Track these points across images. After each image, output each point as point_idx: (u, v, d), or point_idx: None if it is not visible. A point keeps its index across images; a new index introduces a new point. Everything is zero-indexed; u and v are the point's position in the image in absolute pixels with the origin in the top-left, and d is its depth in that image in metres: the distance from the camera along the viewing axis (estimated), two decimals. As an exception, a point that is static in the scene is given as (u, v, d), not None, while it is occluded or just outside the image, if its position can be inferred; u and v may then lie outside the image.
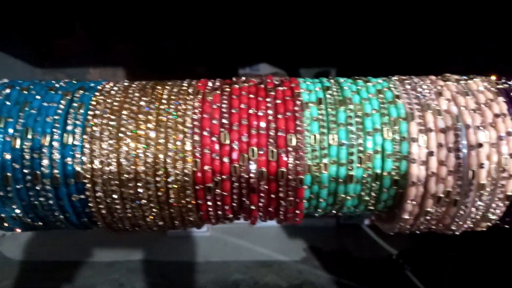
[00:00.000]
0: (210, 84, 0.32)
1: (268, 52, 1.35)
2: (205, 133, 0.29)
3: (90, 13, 1.31)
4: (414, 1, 1.10)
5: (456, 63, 0.96)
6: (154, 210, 0.30)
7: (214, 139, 0.29)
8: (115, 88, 0.31)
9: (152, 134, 0.29)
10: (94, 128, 0.29)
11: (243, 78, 0.33)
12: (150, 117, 0.29)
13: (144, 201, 0.29)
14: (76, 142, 0.28)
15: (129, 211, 0.30)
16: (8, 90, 0.31)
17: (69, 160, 0.28)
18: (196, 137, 0.29)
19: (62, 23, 1.32)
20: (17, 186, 0.28)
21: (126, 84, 0.32)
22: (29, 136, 0.28)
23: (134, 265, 1.17)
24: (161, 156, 0.28)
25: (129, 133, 0.29)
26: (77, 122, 0.29)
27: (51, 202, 0.29)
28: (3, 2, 1.14)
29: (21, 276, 1.11)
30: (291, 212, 0.31)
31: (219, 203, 0.30)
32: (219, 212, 0.31)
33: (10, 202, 0.29)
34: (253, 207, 0.30)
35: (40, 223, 0.31)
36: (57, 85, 0.31)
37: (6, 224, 0.31)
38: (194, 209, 0.30)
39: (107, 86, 0.32)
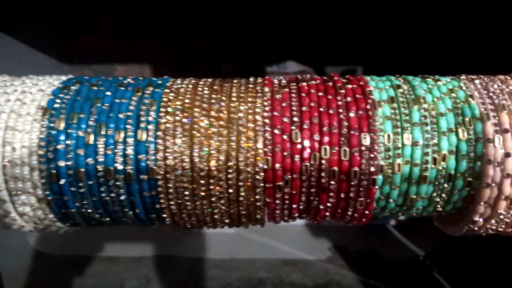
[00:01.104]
0: (276, 81, 0.32)
1: (293, 50, 1.34)
2: (276, 131, 0.29)
3: (118, 10, 1.32)
4: (440, 2, 1.09)
5: (481, 62, 0.94)
6: (223, 207, 0.30)
7: (285, 137, 0.29)
8: (184, 85, 0.31)
9: (224, 132, 0.29)
10: (167, 125, 0.29)
11: (309, 76, 0.33)
12: (221, 114, 0.29)
13: (214, 198, 0.29)
14: (149, 139, 0.28)
15: (198, 208, 0.30)
16: (77, 86, 0.31)
17: (142, 156, 0.28)
18: (267, 135, 0.29)
19: (89, 19, 1.33)
20: (89, 182, 0.29)
21: (193, 81, 0.32)
22: (103, 132, 0.28)
23: (161, 261, 1.18)
24: (233, 153, 0.28)
25: (202, 130, 0.28)
26: (150, 119, 0.29)
27: (122, 198, 0.29)
28: (33, -1, 1.15)
29: (51, 269, 1.13)
30: (360, 213, 0.30)
31: (287, 201, 0.30)
32: (286, 211, 0.31)
33: (81, 198, 0.29)
34: (321, 207, 0.30)
35: (107, 219, 0.31)
36: (125, 82, 0.31)
37: (71, 220, 0.31)
38: (262, 207, 0.30)
39: (176, 83, 0.32)
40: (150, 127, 0.28)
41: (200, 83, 0.31)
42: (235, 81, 0.32)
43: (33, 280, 1.10)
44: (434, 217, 0.37)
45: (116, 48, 1.36)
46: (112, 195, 0.29)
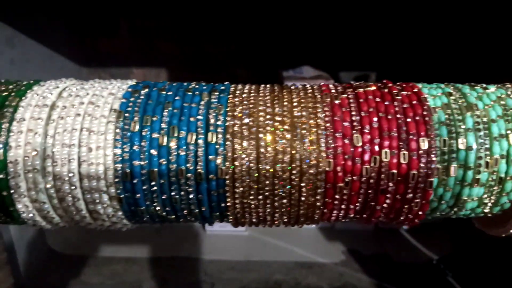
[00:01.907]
0: (331, 87, 0.34)
1: (307, 55, 1.36)
2: (337, 135, 0.30)
3: (136, 14, 1.34)
4: (455, 7, 1.10)
5: (494, 69, 0.96)
6: (284, 207, 0.31)
7: (346, 141, 0.30)
8: (246, 91, 0.33)
9: (288, 135, 0.30)
10: (235, 128, 0.30)
11: (362, 83, 0.34)
12: (284, 118, 0.31)
13: (277, 198, 0.31)
14: (219, 141, 0.30)
15: (261, 207, 0.31)
16: (146, 90, 0.32)
17: (212, 157, 0.30)
18: (329, 139, 0.30)
19: (107, 23, 1.35)
20: (161, 181, 0.30)
21: (254, 87, 0.34)
22: (175, 134, 0.30)
23: (178, 262, 1.19)
24: (297, 156, 0.30)
25: (268, 134, 0.30)
26: (219, 122, 0.30)
27: (191, 196, 0.31)
28: (52, 1, 1.17)
29: (69, 270, 1.14)
30: (414, 214, 0.32)
31: (345, 202, 0.32)
32: (342, 212, 0.32)
33: (151, 196, 0.31)
34: (377, 208, 0.32)
35: (173, 216, 0.32)
36: (190, 87, 0.33)
37: (138, 218, 0.33)
38: (321, 208, 0.32)
39: (238, 89, 0.33)
40: (219, 130, 0.30)
41: (261, 89, 0.33)
42: (293, 87, 0.34)
43: (51, 281, 1.11)
44: (475, 219, 0.38)
45: (133, 52, 1.38)
46: (182, 193, 0.31)
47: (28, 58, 1.10)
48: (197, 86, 0.33)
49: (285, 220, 0.33)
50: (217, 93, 0.32)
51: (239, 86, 0.34)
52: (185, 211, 0.32)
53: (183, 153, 0.30)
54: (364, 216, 0.33)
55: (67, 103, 0.31)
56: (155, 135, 0.30)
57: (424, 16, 1.23)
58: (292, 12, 1.31)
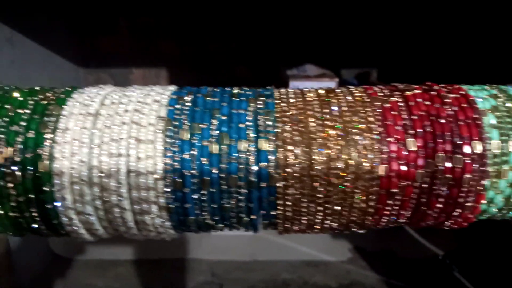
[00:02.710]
0: (377, 90, 0.33)
1: (308, 53, 1.36)
2: (391, 139, 0.30)
3: (135, 13, 1.32)
4: (456, 4, 1.11)
5: (494, 67, 0.97)
6: (336, 213, 0.31)
7: (400, 145, 0.30)
8: (292, 95, 0.32)
9: (341, 141, 0.30)
10: (286, 134, 0.30)
11: (405, 85, 0.34)
12: (336, 123, 0.30)
13: (329, 205, 0.30)
14: (270, 148, 0.29)
15: (311, 214, 0.31)
16: (191, 97, 0.32)
17: (264, 164, 0.29)
18: (383, 144, 0.30)
19: (106, 22, 1.33)
20: (212, 190, 0.29)
21: (298, 91, 0.33)
22: (226, 142, 0.29)
23: (183, 263, 1.18)
24: (351, 161, 0.29)
25: (319, 140, 0.30)
26: (269, 128, 0.30)
27: (241, 204, 0.30)
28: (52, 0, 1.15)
29: (72, 274, 1.12)
30: (464, 217, 0.32)
31: (396, 208, 0.31)
32: (392, 217, 0.32)
33: (201, 205, 0.30)
34: (429, 212, 0.31)
35: (221, 225, 0.32)
36: (235, 92, 0.32)
37: (184, 227, 0.32)
38: (373, 214, 0.31)
39: (282, 93, 0.33)
40: (269, 136, 0.29)
41: (306, 93, 0.33)
42: (338, 90, 0.33)
43: (55, 285, 1.09)
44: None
45: (132, 51, 1.37)
46: (232, 202, 0.30)
47: (27, 58, 1.08)
48: (241, 92, 0.32)
49: (334, 226, 0.32)
50: (263, 98, 0.31)
51: (283, 90, 0.33)
52: (234, 220, 0.31)
53: (235, 161, 0.29)
54: (414, 220, 0.33)
55: (111, 111, 0.30)
56: (205, 143, 0.29)
57: (425, 13, 1.23)
58: (292, 10, 1.31)
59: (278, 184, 0.29)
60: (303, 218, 0.31)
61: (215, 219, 0.31)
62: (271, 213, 0.31)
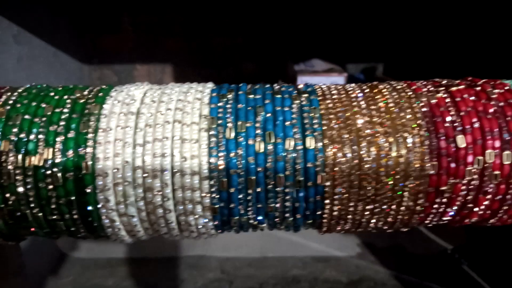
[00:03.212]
0: (420, 85, 0.33)
1: (315, 48, 1.35)
2: (440, 136, 0.29)
3: (139, 9, 1.30)
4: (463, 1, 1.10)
5: (504, 62, 0.96)
6: (383, 212, 0.30)
7: (449, 142, 0.29)
8: (335, 92, 0.31)
9: (390, 138, 0.29)
10: (333, 132, 0.29)
11: (447, 80, 0.33)
12: (383, 120, 0.30)
13: (377, 204, 0.30)
14: (317, 146, 0.28)
15: (358, 213, 0.30)
16: (232, 94, 0.31)
17: (311, 164, 0.28)
18: (432, 141, 0.29)
19: (110, 19, 1.32)
20: (258, 189, 0.29)
21: (340, 87, 0.32)
22: (272, 140, 0.28)
23: (192, 261, 1.17)
24: (401, 159, 0.29)
25: (367, 137, 0.29)
26: (315, 126, 0.29)
27: (287, 204, 0.29)
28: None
29: (80, 273, 1.11)
30: (510, 214, 0.31)
31: (443, 205, 0.31)
32: (438, 215, 0.31)
33: (246, 205, 0.29)
34: (475, 210, 0.31)
35: (264, 225, 0.31)
36: (276, 89, 0.31)
37: (227, 227, 0.31)
38: (419, 212, 0.31)
39: (324, 89, 0.32)
40: (316, 134, 0.29)
41: (349, 89, 0.32)
42: (382, 86, 0.32)
43: (64, 285, 1.08)
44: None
45: (137, 48, 1.35)
46: (277, 201, 0.29)
47: (33, 56, 1.07)
48: (283, 89, 0.31)
49: (379, 225, 0.32)
50: (306, 95, 0.31)
51: (324, 87, 0.32)
52: (277, 219, 0.30)
53: (281, 160, 0.28)
54: (458, 218, 0.32)
55: (152, 109, 0.29)
56: (251, 142, 0.28)
57: (431, 7, 1.23)
58: (298, 4, 1.30)
59: (325, 183, 0.29)
60: (349, 217, 0.30)
61: (259, 219, 0.30)
62: (317, 212, 0.30)
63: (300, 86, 0.32)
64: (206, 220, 0.30)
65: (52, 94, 0.30)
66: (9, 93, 0.30)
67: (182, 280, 1.12)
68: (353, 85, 0.33)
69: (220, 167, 0.28)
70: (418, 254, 1.20)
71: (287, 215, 0.30)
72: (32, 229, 0.30)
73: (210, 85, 0.32)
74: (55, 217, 0.29)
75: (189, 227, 0.30)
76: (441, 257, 1.19)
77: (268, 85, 0.32)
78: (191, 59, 1.38)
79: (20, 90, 0.30)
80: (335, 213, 0.30)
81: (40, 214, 0.29)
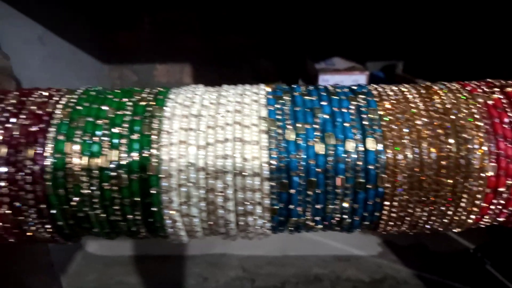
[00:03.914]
0: (474, 86, 0.33)
1: (333, 46, 1.34)
2: (499, 137, 0.29)
3: (157, 8, 1.31)
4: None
5: None
6: (441, 213, 0.30)
7: (507, 143, 0.29)
8: (391, 93, 0.31)
9: (450, 139, 0.29)
10: (394, 134, 0.29)
11: (499, 80, 0.33)
12: (443, 122, 0.30)
13: (436, 205, 0.30)
14: (379, 148, 0.29)
15: (417, 213, 0.30)
16: (288, 96, 0.31)
17: (372, 165, 0.28)
18: (492, 142, 0.29)
19: (129, 18, 1.32)
20: (318, 191, 0.29)
21: (394, 88, 0.32)
22: (332, 142, 0.29)
23: (213, 259, 1.18)
24: (462, 161, 0.29)
25: (428, 138, 0.29)
26: (375, 127, 0.29)
27: (345, 205, 0.30)
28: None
29: (103, 271, 1.13)
30: None
31: (499, 206, 0.31)
32: (493, 217, 0.31)
33: (305, 207, 0.30)
34: (532, 210, 0.31)
35: (320, 226, 0.31)
36: (331, 90, 0.32)
37: (282, 228, 0.31)
38: (476, 213, 0.31)
39: (379, 89, 0.32)
40: (376, 136, 0.29)
41: (404, 89, 0.32)
42: (435, 87, 0.32)
43: (88, 283, 1.10)
44: None
45: (156, 47, 1.36)
46: (336, 203, 0.29)
47: (56, 56, 1.08)
48: (338, 90, 0.31)
49: (435, 226, 0.32)
50: (363, 96, 0.31)
51: (379, 88, 0.32)
52: (334, 221, 0.31)
53: (342, 161, 0.28)
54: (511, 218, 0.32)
55: (212, 112, 0.30)
56: (311, 143, 0.29)
57: (452, 5, 1.22)
58: (316, 2, 1.29)
59: (386, 185, 0.29)
60: (406, 219, 0.30)
61: (316, 220, 0.30)
62: (375, 214, 0.30)
63: (354, 87, 0.32)
64: (265, 221, 0.30)
65: (110, 96, 0.31)
66: (68, 96, 0.31)
67: (205, 278, 1.13)
68: (406, 86, 0.33)
69: (281, 169, 0.28)
70: (440, 253, 1.20)
71: (345, 216, 0.30)
72: (93, 229, 0.30)
73: (263, 86, 0.32)
74: (117, 218, 0.29)
75: (247, 228, 0.30)
76: (464, 256, 1.18)
77: (321, 86, 0.32)
78: (209, 58, 1.39)
79: (78, 93, 0.31)
80: (393, 214, 0.30)
81: (103, 215, 0.29)
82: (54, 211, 0.29)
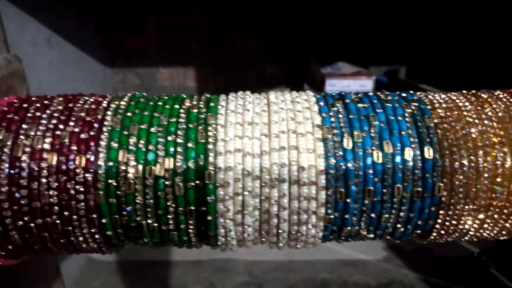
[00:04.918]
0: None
1: (338, 51, 1.35)
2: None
3: (163, 12, 1.30)
4: (487, 2, 1.10)
5: None
6: (493, 222, 0.30)
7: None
8: (442, 101, 0.31)
9: (504, 147, 0.29)
10: (449, 141, 0.29)
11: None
12: (497, 130, 0.29)
13: (490, 213, 0.30)
14: (436, 156, 0.28)
15: (470, 223, 0.30)
16: (340, 103, 0.31)
17: (429, 174, 0.28)
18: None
19: (134, 21, 1.32)
20: (374, 199, 0.29)
21: (443, 95, 0.32)
22: (390, 151, 0.28)
23: (219, 264, 1.17)
24: (519, 168, 0.29)
25: (484, 147, 0.29)
26: (431, 136, 0.29)
27: (401, 214, 0.29)
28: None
29: (109, 276, 1.11)
30: None
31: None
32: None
33: (360, 216, 0.29)
34: None
35: (371, 235, 0.31)
36: (382, 98, 0.31)
37: (332, 236, 0.31)
38: (528, 220, 0.31)
39: (429, 97, 0.32)
40: (433, 144, 0.29)
41: (454, 97, 0.32)
42: (483, 95, 0.32)
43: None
44: None
45: (161, 50, 1.35)
46: (393, 212, 0.29)
47: (62, 59, 1.07)
48: (389, 97, 0.31)
49: (485, 234, 0.31)
50: (416, 104, 0.31)
51: (429, 96, 0.32)
52: (388, 230, 0.30)
53: (400, 170, 0.28)
54: None
55: (265, 119, 0.29)
56: (369, 151, 0.28)
57: (455, 11, 1.23)
58: (321, 7, 1.30)
59: (442, 194, 0.29)
60: (459, 227, 0.30)
61: (370, 229, 0.30)
62: (429, 222, 0.30)
63: (403, 94, 0.32)
64: (318, 230, 0.29)
65: (160, 103, 0.30)
66: (116, 102, 0.30)
67: (212, 283, 1.12)
68: (455, 93, 0.33)
69: (338, 177, 0.28)
70: (445, 257, 1.20)
71: (399, 225, 0.30)
72: (143, 239, 0.29)
73: (311, 93, 0.32)
74: (170, 227, 0.29)
75: (298, 237, 0.30)
76: (469, 260, 1.19)
77: (371, 93, 0.32)
78: (213, 62, 1.38)
79: (126, 99, 0.30)
80: (447, 223, 0.30)
81: (155, 224, 0.28)
82: (104, 221, 0.28)
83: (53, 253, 0.30)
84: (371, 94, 0.32)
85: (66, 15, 1.05)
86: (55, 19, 0.98)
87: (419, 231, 0.31)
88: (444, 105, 0.31)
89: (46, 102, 0.30)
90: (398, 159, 0.28)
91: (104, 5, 1.25)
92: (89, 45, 1.19)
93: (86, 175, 0.27)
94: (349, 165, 0.28)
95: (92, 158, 0.27)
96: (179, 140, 0.28)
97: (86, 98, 0.31)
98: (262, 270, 1.17)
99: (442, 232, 0.31)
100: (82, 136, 0.28)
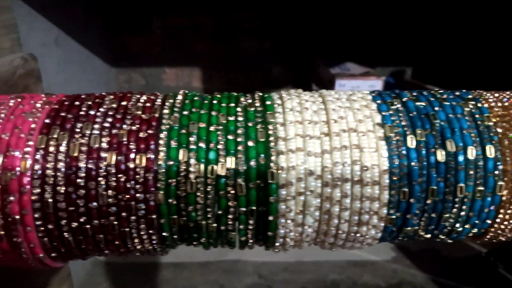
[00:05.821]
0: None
1: (344, 51, 1.35)
2: None
3: (168, 12, 1.30)
4: (493, 3, 1.11)
5: None
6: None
7: None
8: (493, 98, 0.31)
9: None
10: (509, 139, 0.29)
11: None
12: None
13: None
14: (497, 155, 0.28)
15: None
16: (399, 101, 0.30)
17: (491, 173, 0.28)
18: None
19: (139, 22, 1.31)
20: (436, 199, 0.28)
21: (493, 93, 0.32)
22: (453, 149, 0.28)
23: (228, 265, 1.17)
24: None
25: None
26: (491, 134, 0.29)
27: (462, 213, 0.29)
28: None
29: (117, 278, 1.10)
30: None
31: None
32: None
33: (421, 216, 0.29)
34: None
35: (428, 236, 0.31)
36: (438, 96, 0.31)
37: (390, 237, 0.31)
38: None
39: (482, 95, 0.32)
40: (494, 143, 0.28)
41: (507, 96, 0.32)
42: (494, 93, 0.32)
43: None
44: None
45: (166, 50, 1.34)
46: (454, 211, 0.29)
47: (70, 59, 1.06)
48: (445, 96, 0.31)
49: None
50: (473, 102, 0.30)
51: (483, 93, 0.32)
52: (446, 230, 0.30)
53: (462, 169, 0.28)
54: None
55: (323, 117, 0.29)
56: (432, 151, 0.28)
57: (461, 12, 1.23)
58: (326, 8, 1.30)
59: (503, 193, 0.28)
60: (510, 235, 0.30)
61: (429, 229, 0.30)
62: (487, 221, 0.30)
63: (458, 93, 0.32)
64: (378, 230, 0.29)
65: (215, 102, 0.29)
66: (171, 100, 0.29)
67: (221, 285, 1.11)
68: (507, 92, 0.32)
69: (402, 177, 0.27)
70: (453, 257, 1.21)
71: (457, 225, 0.30)
72: (200, 239, 0.29)
73: (366, 92, 0.31)
74: (229, 227, 0.28)
75: (356, 238, 0.30)
76: (476, 260, 1.19)
77: (426, 92, 0.32)
78: (219, 62, 1.38)
79: (180, 97, 0.30)
80: (505, 222, 0.30)
81: (214, 224, 0.28)
82: (162, 221, 0.28)
83: (102, 255, 0.29)
84: (425, 93, 0.32)
85: (73, 16, 1.04)
86: (62, 19, 0.97)
87: (475, 230, 0.31)
88: (499, 104, 0.31)
89: (97, 100, 0.29)
90: (461, 158, 0.28)
91: (109, 5, 1.24)
92: (94, 46, 1.18)
93: (147, 174, 0.26)
94: (413, 164, 0.28)
95: (152, 157, 0.26)
96: (239, 139, 0.27)
97: (138, 96, 0.30)
98: (271, 271, 1.17)
99: (499, 231, 0.31)
100: (141, 134, 0.27)
